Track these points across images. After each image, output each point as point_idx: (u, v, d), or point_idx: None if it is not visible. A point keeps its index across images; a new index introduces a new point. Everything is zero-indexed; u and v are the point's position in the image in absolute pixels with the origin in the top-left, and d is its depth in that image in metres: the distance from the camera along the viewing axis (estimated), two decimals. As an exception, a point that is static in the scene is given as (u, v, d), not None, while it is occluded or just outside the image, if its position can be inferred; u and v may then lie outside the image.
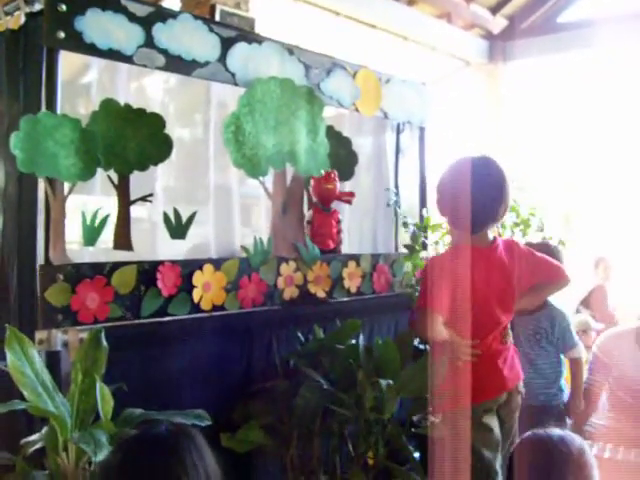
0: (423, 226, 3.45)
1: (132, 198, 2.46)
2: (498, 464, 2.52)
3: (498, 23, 8.36)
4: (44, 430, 1.97)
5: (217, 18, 5.11)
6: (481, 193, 2.42)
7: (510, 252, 2.60)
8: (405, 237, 3.63)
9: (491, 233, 2.60)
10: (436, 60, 7.89)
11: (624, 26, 6.94)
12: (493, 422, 2.51)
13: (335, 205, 3.18)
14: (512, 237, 3.56)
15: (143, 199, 2.51)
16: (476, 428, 2.44)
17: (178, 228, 2.59)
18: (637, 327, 3.28)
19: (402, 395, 2.70)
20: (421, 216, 3.60)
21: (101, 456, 1.68)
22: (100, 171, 2.37)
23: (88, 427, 1.93)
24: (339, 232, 3.18)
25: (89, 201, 2.59)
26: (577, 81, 7.66)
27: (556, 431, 1.80)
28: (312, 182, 3.07)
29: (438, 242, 3.44)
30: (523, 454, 1.85)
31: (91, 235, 2.38)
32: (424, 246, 3.43)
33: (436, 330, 2.38)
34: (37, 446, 1.96)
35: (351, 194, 3.23)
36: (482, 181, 2.44)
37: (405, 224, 3.44)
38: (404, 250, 3.56)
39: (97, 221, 2.40)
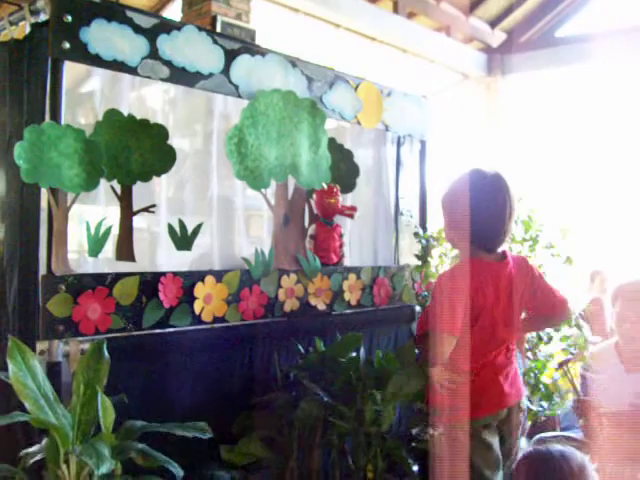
0: (435, 237, 3.45)
1: (135, 209, 2.46)
2: None
3: (497, 37, 8.42)
4: (44, 442, 1.96)
5: (218, 29, 5.14)
6: (494, 209, 2.43)
7: (519, 268, 2.58)
8: (406, 249, 3.64)
9: (501, 248, 2.60)
10: (435, 73, 7.94)
11: (621, 40, 6.99)
12: (493, 439, 2.48)
13: (336, 218, 3.18)
14: (520, 253, 3.57)
15: (146, 210, 2.50)
16: (475, 445, 2.43)
17: (183, 239, 2.59)
18: (616, 341, 3.30)
19: (398, 400, 2.66)
20: (424, 227, 3.60)
21: (103, 469, 1.67)
22: (103, 181, 2.37)
23: (89, 439, 1.92)
24: (342, 246, 3.19)
25: (92, 211, 2.59)
26: (575, 95, 7.70)
27: (556, 447, 1.81)
28: (315, 196, 3.08)
29: (445, 253, 3.45)
30: (524, 471, 1.85)
31: (95, 246, 2.38)
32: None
33: (446, 352, 2.36)
34: (37, 458, 1.95)
35: (353, 208, 3.24)
36: (492, 196, 2.44)
37: (416, 234, 3.44)
38: (403, 263, 3.58)
39: (101, 232, 2.40)
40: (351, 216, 3.23)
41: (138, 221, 2.54)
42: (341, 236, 3.19)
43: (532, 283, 2.59)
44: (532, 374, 3.54)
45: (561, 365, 4.03)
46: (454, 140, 7.48)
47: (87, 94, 2.73)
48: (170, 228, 2.57)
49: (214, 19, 5.18)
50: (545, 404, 3.64)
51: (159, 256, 2.80)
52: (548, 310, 2.67)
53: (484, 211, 2.40)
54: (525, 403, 2.70)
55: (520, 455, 1.92)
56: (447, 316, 2.38)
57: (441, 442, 2.44)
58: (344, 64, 3.83)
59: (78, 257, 2.61)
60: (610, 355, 3.27)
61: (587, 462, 1.78)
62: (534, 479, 1.80)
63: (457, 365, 2.40)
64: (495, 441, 2.49)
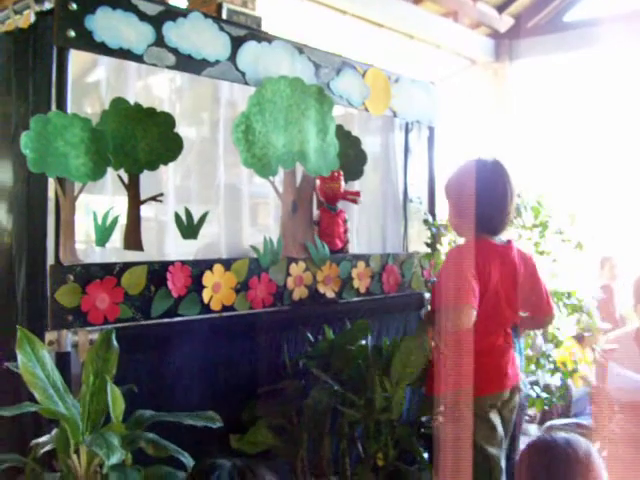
0: (445, 225, 3.43)
1: (142, 198, 2.44)
2: (503, 462, 2.54)
3: (504, 22, 8.35)
4: (54, 432, 1.95)
5: (224, 16, 5.10)
6: (495, 194, 2.56)
7: (522, 259, 2.66)
8: (415, 236, 3.62)
9: (506, 235, 2.66)
10: (442, 59, 7.89)
11: (630, 25, 6.92)
12: (496, 419, 2.55)
13: (344, 205, 3.16)
14: (530, 240, 3.58)
15: (153, 199, 2.49)
16: (480, 424, 2.47)
17: (190, 228, 2.58)
18: (637, 328, 3.28)
19: (405, 380, 2.62)
20: (433, 215, 3.58)
21: (114, 459, 1.67)
22: (110, 171, 2.36)
23: (99, 429, 1.91)
24: (346, 231, 3.16)
25: (99, 201, 2.58)
26: (583, 80, 7.64)
27: (561, 434, 1.80)
28: (317, 182, 3.06)
29: (455, 241, 3.43)
30: (530, 460, 1.85)
31: (103, 235, 2.37)
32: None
33: (466, 320, 2.38)
34: (47, 448, 1.95)
35: (357, 193, 3.21)
36: (493, 182, 2.56)
37: (426, 221, 3.43)
38: (412, 250, 3.56)
39: (108, 221, 2.39)
40: (354, 201, 3.20)
41: (146, 210, 2.53)
42: (345, 221, 3.16)
43: (530, 280, 2.63)
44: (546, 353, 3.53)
45: (579, 339, 4.03)
46: (462, 126, 7.44)
47: (93, 83, 2.71)
48: (177, 217, 2.56)
49: (220, 6, 5.14)
50: (555, 384, 3.63)
51: (167, 245, 2.79)
52: (534, 311, 2.73)
53: (486, 197, 2.50)
54: (525, 387, 2.72)
55: (526, 445, 1.91)
56: (465, 288, 2.41)
57: (446, 422, 2.46)
58: (351, 51, 3.80)
59: (86, 247, 2.60)
60: (629, 345, 3.26)
61: (593, 449, 1.77)
62: (539, 467, 1.78)
63: (464, 342, 2.41)
64: (498, 421, 2.55)
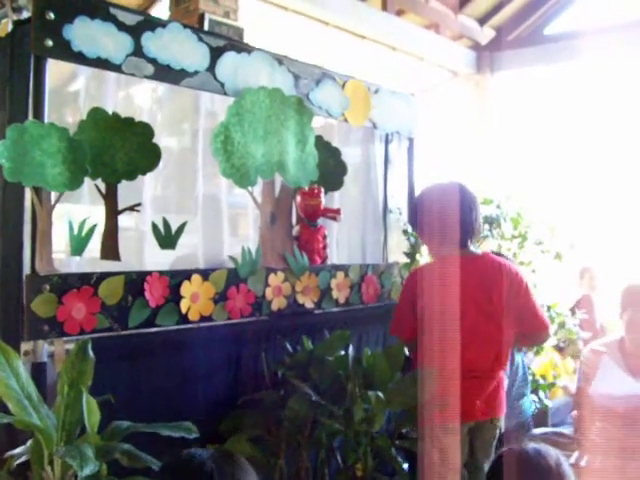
0: None
1: (120, 207, 2.43)
2: None
3: (486, 34, 8.42)
4: (29, 443, 1.94)
5: (206, 27, 5.11)
6: (462, 211, 2.67)
7: (500, 270, 2.65)
8: (394, 247, 3.64)
9: (477, 247, 2.71)
10: (424, 70, 7.93)
11: (610, 38, 7.01)
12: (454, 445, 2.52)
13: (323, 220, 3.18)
14: (510, 250, 3.60)
15: (131, 209, 2.48)
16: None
17: (168, 238, 2.57)
18: (621, 337, 3.30)
19: (391, 408, 2.69)
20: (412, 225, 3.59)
21: (87, 470, 1.66)
22: (88, 180, 2.35)
23: (74, 440, 1.90)
24: (325, 247, 3.17)
25: (76, 210, 2.57)
26: (563, 92, 7.71)
27: (531, 445, 1.80)
28: (297, 198, 3.06)
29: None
30: (501, 471, 1.85)
31: (78, 245, 2.36)
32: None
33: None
34: (22, 459, 1.93)
35: (337, 211, 3.22)
36: (461, 202, 2.67)
37: (405, 232, 3.45)
38: (392, 260, 3.57)
39: (84, 230, 2.37)
40: (334, 219, 3.22)
41: (124, 220, 2.52)
42: (325, 237, 3.17)
43: (517, 296, 2.63)
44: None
45: (559, 349, 4.05)
46: (444, 137, 7.48)
47: (73, 93, 2.70)
48: (154, 227, 2.55)
49: (202, 17, 5.15)
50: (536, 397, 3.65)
51: (145, 255, 2.78)
52: (528, 329, 2.72)
53: (445, 212, 2.66)
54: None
55: (495, 456, 1.92)
56: (398, 318, 2.80)
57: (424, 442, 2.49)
58: (334, 62, 3.82)
59: (65, 257, 2.58)
60: (613, 353, 3.27)
61: (562, 459, 1.77)
62: (510, 478, 1.78)
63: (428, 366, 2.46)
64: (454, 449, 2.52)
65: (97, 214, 2.45)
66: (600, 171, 7.25)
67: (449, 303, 2.50)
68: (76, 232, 2.36)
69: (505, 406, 2.74)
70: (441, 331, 2.48)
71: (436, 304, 2.51)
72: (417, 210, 2.82)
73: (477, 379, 2.59)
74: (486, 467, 2.55)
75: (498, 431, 2.71)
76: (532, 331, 2.75)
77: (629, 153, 7.09)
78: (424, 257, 3.48)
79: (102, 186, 2.40)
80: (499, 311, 2.60)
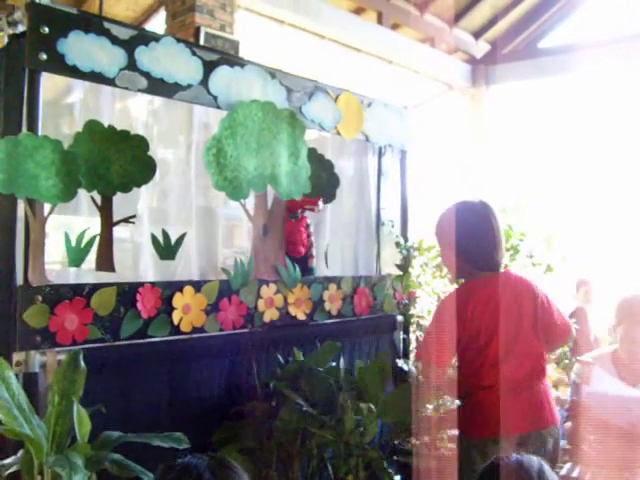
0: (416, 247, 3.47)
1: (116, 219, 2.46)
2: None
3: (481, 48, 8.49)
4: (19, 453, 1.95)
5: (202, 40, 5.15)
6: (498, 230, 2.68)
7: (521, 288, 2.68)
8: (387, 259, 3.65)
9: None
10: (420, 83, 7.99)
11: (603, 52, 7.07)
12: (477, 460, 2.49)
13: (315, 226, 3.20)
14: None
15: (126, 220, 2.51)
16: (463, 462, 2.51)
17: (167, 249, 2.60)
18: (614, 349, 3.31)
19: (383, 419, 2.71)
20: (405, 237, 3.62)
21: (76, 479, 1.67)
22: (84, 192, 2.37)
23: (64, 450, 1.91)
24: (309, 236, 3.20)
25: (74, 222, 2.59)
26: (558, 105, 7.77)
27: (514, 455, 1.80)
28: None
29: (427, 263, 3.47)
30: None
31: (77, 256, 2.38)
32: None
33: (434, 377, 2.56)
34: (12, 469, 1.94)
35: (315, 202, 3.21)
36: (494, 220, 2.67)
37: (398, 244, 3.47)
38: (385, 272, 3.59)
39: (84, 242, 2.40)
40: (312, 210, 3.23)
41: (119, 231, 2.54)
42: (308, 227, 3.21)
43: (544, 309, 2.65)
44: None
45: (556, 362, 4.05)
46: (439, 150, 7.52)
47: (69, 105, 2.72)
48: (153, 238, 2.58)
49: (198, 30, 5.19)
50: None
51: (137, 266, 2.79)
52: (561, 339, 2.78)
53: (473, 235, 2.63)
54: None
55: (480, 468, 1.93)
56: (438, 348, 2.57)
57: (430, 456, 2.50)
58: (330, 75, 3.85)
59: (60, 268, 2.60)
60: (606, 366, 3.28)
61: (546, 468, 1.78)
62: None
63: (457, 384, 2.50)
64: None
65: (95, 226, 2.48)
66: (595, 183, 7.29)
67: (504, 322, 2.53)
68: (74, 243, 2.39)
69: (557, 415, 2.71)
70: (499, 350, 2.52)
71: (492, 325, 2.52)
72: (447, 230, 2.68)
73: (525, 391, 2.60)
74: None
75: (552, 440, 2.65)
76: (560, 337, 2.77)
77: (624, 165, 7.13)
78: (416, 270, 3.50)
79: (98, 198, 2.42)
80: (533, 326, 2.63)
